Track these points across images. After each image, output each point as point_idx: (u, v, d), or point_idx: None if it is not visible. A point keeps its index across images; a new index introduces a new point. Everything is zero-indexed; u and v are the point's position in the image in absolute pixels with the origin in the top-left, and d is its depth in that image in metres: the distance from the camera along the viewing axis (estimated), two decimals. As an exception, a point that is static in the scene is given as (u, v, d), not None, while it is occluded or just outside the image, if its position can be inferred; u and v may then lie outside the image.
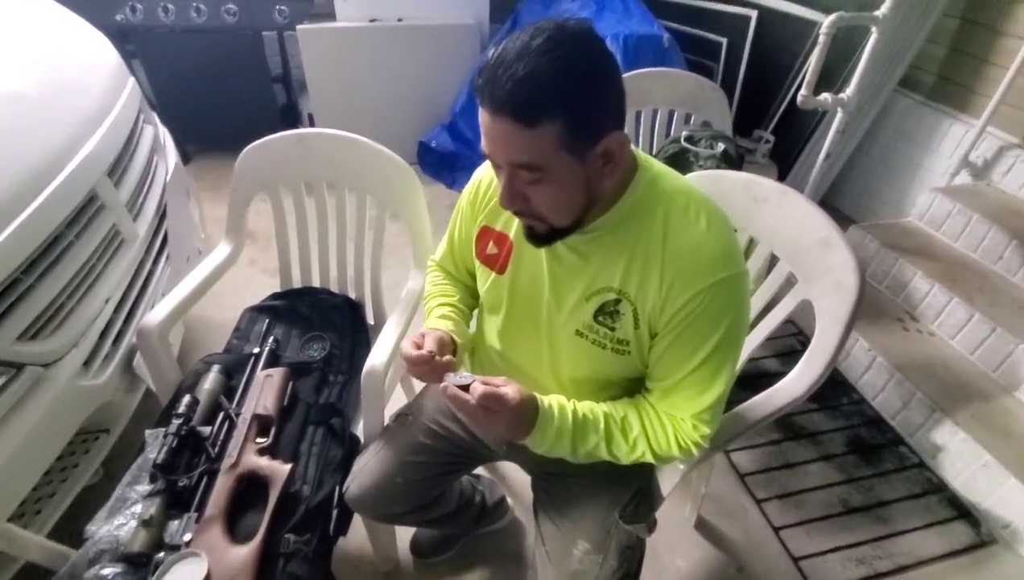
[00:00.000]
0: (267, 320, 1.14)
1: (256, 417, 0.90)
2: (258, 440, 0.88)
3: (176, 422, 0.86)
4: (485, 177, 0.77)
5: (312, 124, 2.63)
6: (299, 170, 1.14)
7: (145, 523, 0.76)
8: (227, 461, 0.84)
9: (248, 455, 0.85)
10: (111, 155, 1.05)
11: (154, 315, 0.99)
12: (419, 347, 0.70)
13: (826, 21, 1.52)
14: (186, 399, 0.91)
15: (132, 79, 1.30)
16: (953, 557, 1.27)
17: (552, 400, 0.68)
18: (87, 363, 0.94)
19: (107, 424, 1.03)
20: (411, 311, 1.09)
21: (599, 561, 0.72)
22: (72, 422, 0.93)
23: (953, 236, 1.80)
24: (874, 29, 1.59)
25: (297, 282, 1.25)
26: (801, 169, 2.29)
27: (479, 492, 1.14)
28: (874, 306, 1.76)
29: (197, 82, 2.47)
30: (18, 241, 0.80)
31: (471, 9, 2.55)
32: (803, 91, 1.61)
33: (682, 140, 1.44)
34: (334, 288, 1.24)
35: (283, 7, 2.37)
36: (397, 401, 1.12)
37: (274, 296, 1.22)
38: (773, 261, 0.95)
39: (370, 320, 1.25)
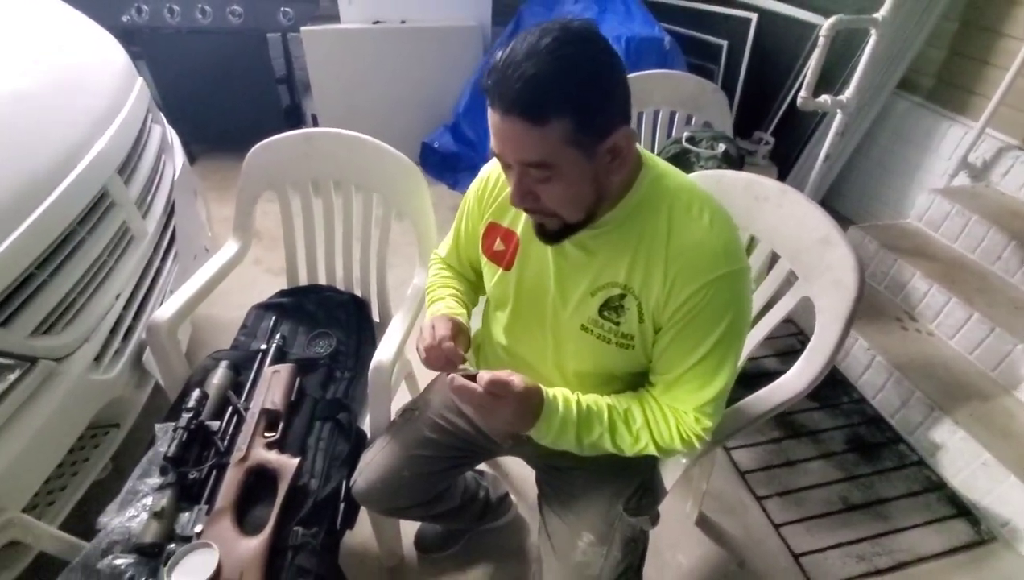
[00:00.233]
0: (274, 317, 1.15)
1: (264, 412, 0.92)
2: (266, 434, 0.89)
3: (186, 416, 0.88)
4: (492, 173, 0.78)
5: (316, 125, 2.65)
6: (306, 169, 1.15)
7: (157, 515, 0.77)
8: (236, 455, 0.85)
9: (257, 449, 0.87)
10: (121, 153, 1.07)
11: (164, 311, 1.00)
12: (447, 336, 0.70)
13: (826, 24, 1.53)
14: (196, 394, 0.92)
15: (140, 79, 1.31)
16: (952, 554, 1.28)
17: (557, 391, 0.69)
18: (98, 358, 0.96)
19: (117, 419, 1.04)
20: (417, 308, 1.10)
21: (603, 553, 0.74)
22: (84, 416, 0.94)
23: (952, 237, 1.81)
24: (873, 31, 1.61)
25: (303, 280, 1.26)
26: (801, 170, 2.31)
27: (483, 488, 1.15)
28: (873, 306, 1.77)
29: (202, 83, 2.49)
30: (33, 237, 0.82)
31: (474, 11, 2.57)
32: (803, 93, 1.63)
33: (683, 141, 1.46)
34: (340, 286, 1.26)
35: (288, 9, 2.39)
36: (401, 398, 1.13)
37: (281, 293, 1.23)
38: (774, 259, 0.96)
39: (375, 317, 1.26)
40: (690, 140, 1.46)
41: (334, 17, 2.48)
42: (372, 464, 0.88)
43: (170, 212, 1.26)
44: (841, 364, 1.72)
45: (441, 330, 0.71)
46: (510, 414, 0.64)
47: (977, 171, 1.93)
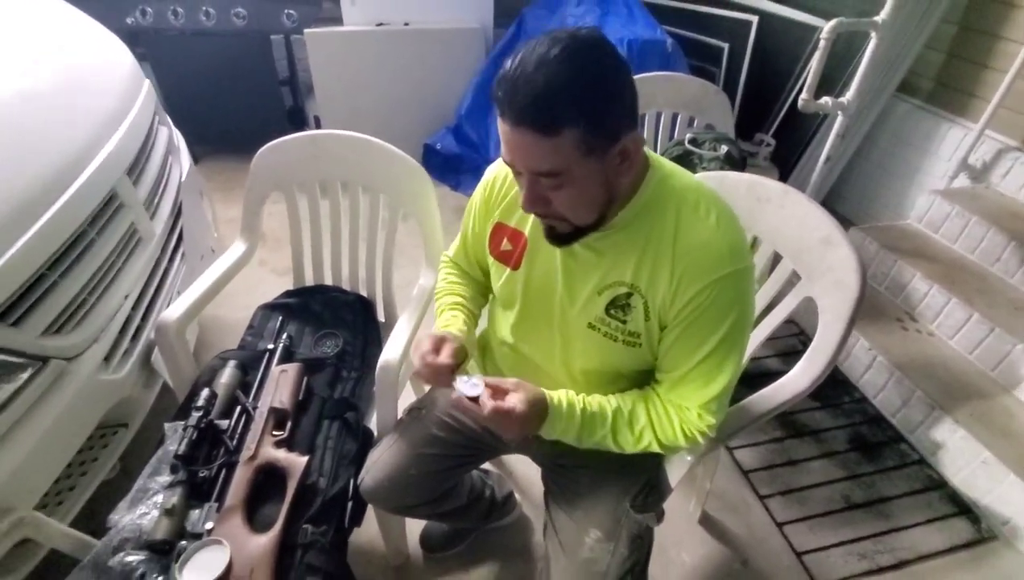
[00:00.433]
0: (280, 317, 1.16)
1: (272, 411, 0.92)
2: (275, 433, 0.90)
3: (196, 415, 0.88)
4: (499, 174, 0.79)
5: (318, 126, 2.66)
6: (313, 170, 1.16)
7: (167, 512, 0.78)
8: (245, 453, 0.86)
9: (266, 448, 0.87)
10: (130, 155, 1.08)
11: (172, 311, 1.01)
12: (429, 350, 0.74)
13: (826, 26, 1.55)
14: (205, 393, 0.93)
15: (147, 81, 1.32)
16: (953, 552, 1.29)
17: (561, 396, 0.71)
18: (108, 358, 0.97)
19: (126, 418, 1.05)
20: (422, 309, 1.11)
21: (610, 549, 0.75)
22: (94, 415, 0.95)
23: (952, 238, 1.82)
24: (874, 34, 1.62)
25: (310, 280, 1.27)
26: (802, 172, 2.32)
27: (488, 487, 1.16)
28: (874, 306, 1.78)
29: (205, 85, 2.51)
30: (45, 237, 0.83)
31: (476, 14, 2.58)
32: (804, 95, 1.64)
33: (686, 142, 1.47)
34: (346, 286, 1.27)
35: (291, 11, 2.40)
36: (406, 398, 1.14)
37: (287, 294, 1.24)
38: (776, 260, 0.97)
39: (381, 318, 1.27)
40: (693, 142, 1.47)
41: (337, 19, 2.49)
42: (379, 462, 0.89)
43: (177, 213, 1.26)
44: (843, 364, 1.73)
45: (423, 348, 0.74)
46: (517, 427, 0.67)
47: (977, 173, 1.94)
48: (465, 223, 0.88)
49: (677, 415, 0.71)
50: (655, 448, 0.71)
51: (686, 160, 1.45)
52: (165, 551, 0.75)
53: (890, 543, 1.30)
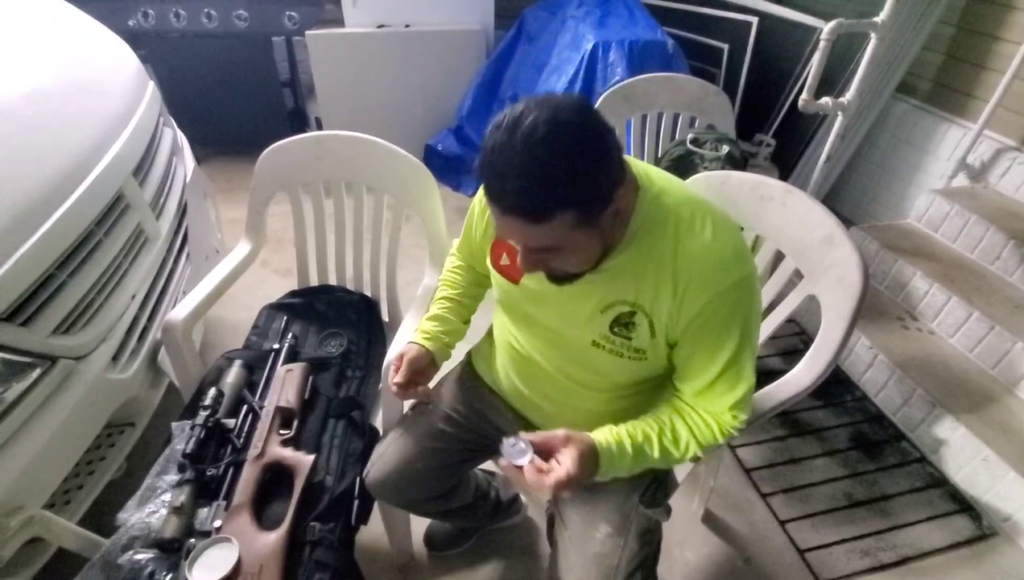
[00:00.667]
0: (285, 317, 1.17)
1: (279, 410, 0.93)
2: (281, 432, 0.91)
3: (203, 414, 0.89)
4: None
5: (320, 128, 2.66)
6: (317, 171, 1.17)
7: (176, 510, 0.78)
8: (252, 452, 0.86)
9: (272, 446, 0.88)
10: (136, 156, 1.09)
11: (179, 311, 1.02)
12: (393, 374, 0.82)
13: (827, 28, 1.56)
14: (211, 392, 0.93)
15: (152, 82, 1.33)
16: (955, 549, 1.29)
17: (608, 437, 0.68)
18: (115, 357, 0.97)
19: (132, 418, 1.06)
20: (427, 308, 1.11)
21: (621, 544, 0.75)
22: (102, 414, 0.95)
23: (951, 237, 1.83)
24: (873, 35, 1.63)
25: (314, 280, 1.27)
26: (802, 172, 2.33)
27: (494, 487, 1.16)
28: (875, 306, 1.79)
29: (207, 87, 2.51)
30: (54, 237, 0.83)
31: (477, 15, 2.59)
32: (804, 95, 1.65)
33: (687, 142, 1.48)
34: (350, 286, 1.27)
35: (293, 13, 2.41)
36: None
37: (291, 294, 1.24)
38: (778, 258, 0.98)
39: (385, 317, 1.27)
40: (694, 142, 1.48)
41: (338, 21, 2.50)
42: (385, 456, 0.89)
43: (182, 213, 1.27)
44: (844, 363, 1.74)
45: (391, 373, 0.82)
46: (575, 488, 0.63)
47: (976, 172, 1.95)
48: (467, 221, 0.89)
49: (714, 420, 0.71)
50: (698, 453, 0.73)
51: (688, 160, 1.46)
52: (174, 549, 0.76)
53: (892, 540, 1.31)
